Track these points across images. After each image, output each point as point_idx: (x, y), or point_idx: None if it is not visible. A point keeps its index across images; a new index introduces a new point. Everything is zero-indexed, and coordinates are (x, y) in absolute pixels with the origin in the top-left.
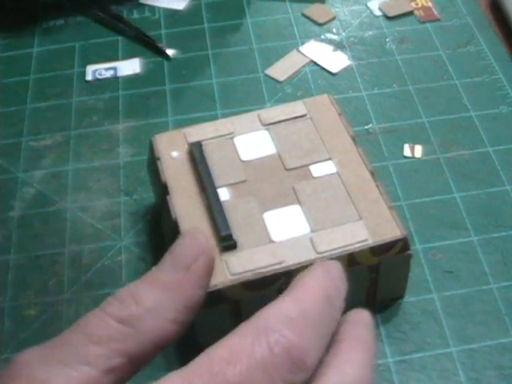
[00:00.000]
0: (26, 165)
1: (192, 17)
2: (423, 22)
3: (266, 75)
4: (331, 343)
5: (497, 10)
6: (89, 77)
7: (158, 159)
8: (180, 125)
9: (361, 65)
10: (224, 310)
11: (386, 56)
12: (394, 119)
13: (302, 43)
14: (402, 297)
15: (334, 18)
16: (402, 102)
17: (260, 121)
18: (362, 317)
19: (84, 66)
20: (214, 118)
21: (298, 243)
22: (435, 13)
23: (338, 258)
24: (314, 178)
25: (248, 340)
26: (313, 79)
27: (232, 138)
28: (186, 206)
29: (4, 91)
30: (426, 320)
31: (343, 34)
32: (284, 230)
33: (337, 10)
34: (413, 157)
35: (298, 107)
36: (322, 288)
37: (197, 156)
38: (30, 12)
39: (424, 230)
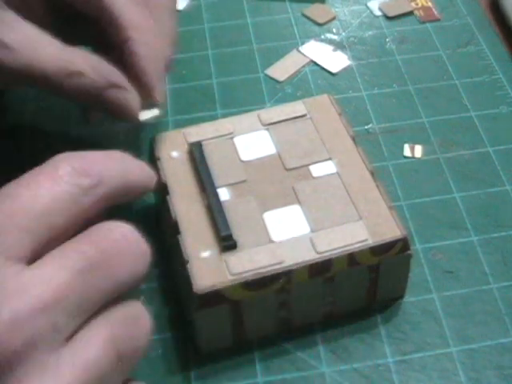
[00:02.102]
0: (26, 165)
1: (192, 17)
2: (423, 22)
3: (266, 75)
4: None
5: (497, 9)
6: None
7: (158, 159)
8: (180, 125)
9: (361, 65)
10: (224, 309)
11: (385, 56)
12: (394, 119)
13: (302, 43)
14: (402, 297)
15: (333, 18)
16: (402, 102)
17: (260, 121)
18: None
19: None
20: (214, 118)
21: (298, 243)
22: (435, 13)
23: (338, 257)
24: (313, 178)
25: None
26: (313, 79)
27: (232, 138)
28: (186, 205)
29: (4, 91)
30: (426, 320)
31: (343, 33)
32: (284, 230)
33: (337, 9)
34: (413, 157)
35: (297, 107)
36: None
37: (197, 156)
38: None
39: (424, 230)
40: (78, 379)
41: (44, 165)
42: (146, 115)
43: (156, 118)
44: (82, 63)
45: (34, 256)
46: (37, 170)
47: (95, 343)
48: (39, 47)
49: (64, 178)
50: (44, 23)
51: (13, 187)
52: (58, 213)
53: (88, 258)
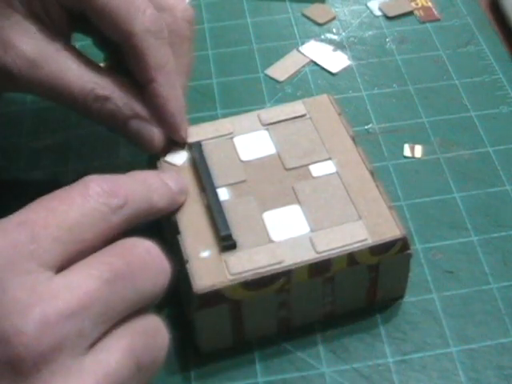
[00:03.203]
0: (26, 165)
1: None
2: (423, 22)
3: (266, 75)
4: None
5: (497, 9)
6: None
7: (158, 159)
8: None
9: (361, 65)
10: (224, 310)
11: (386, 56)
12: (394, 119)
13: (302, 43)
14: (401, 297)
15: (334, 18)
16: (402, 101)
17: (260, 121)
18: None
19: None
20: (214, 118)
21: (298, 243)
22: (435, 13)
23: (338, 257)
24: (313, 177)
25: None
26: (313, 79)
27: (232, 138)
28: (185, 206)
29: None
30: (425, 320)
31: (343, 34)
32: (283, 230)
33: (337, 9)
34: (413, 157)
35: (297, 107)
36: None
37: (197, 156)
38: None
39: (424, 230)
40: None
41: (75, 184)
42: (176, 159)
43: (185, 161)
44: (110, 87)
45: (64, 266)
46: (69, 188)
47: (116, 352)
48: (65, 64)
49: (94, 197)
50: (63, 35)
51: (47, 200)
52: (87, 227)
53: (114, 269)
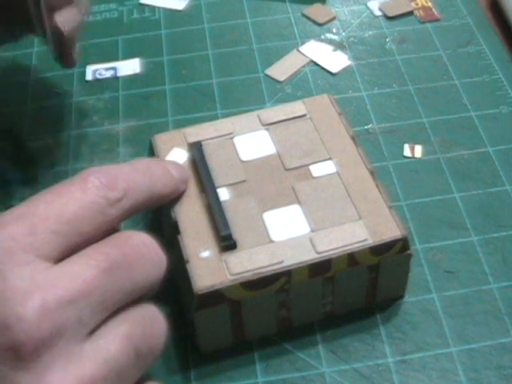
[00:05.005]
0: (25, 165)
1: (192, 17)
2: (423, 22)
3: (266, 75)
4: None
5: (497, 9)
6: (89, 77)
7: (158, 159)
8: (180, 125)
9: (361, 65)
10: (224, 309)
11: (386, 56)
12: (394, 119)
13: (302, 43)
14: (401, 297)
15: (334, 18)
16: (402, 101)
17: (260, 121)
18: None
19: (84, 66)
20: (214, 118)
21: (298, 243)
22: (435, 13)
23: (338, 257)
24: (313, 177)
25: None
26: (313, 79)
27: (232, 138)
28: (186, 206)
29: (4, 91)
30: (425, 320)
31: (343, 34)
32: (284, 230)
33: (337, 9)
34: (413, 157)
35: (297, 107)
36: None
37: (197, 156)
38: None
39: (424, 229)
40: (99, 371)
41: (74, 177)
42: (176, 160)
43: (185, 161)
44: None
45: (62, 258)
46: (68, 182)
47: (115, 339)
48: None
49: (92, 191)
50: None
51: (47, 194)
52: (85, 220)
53: (111, 259)
